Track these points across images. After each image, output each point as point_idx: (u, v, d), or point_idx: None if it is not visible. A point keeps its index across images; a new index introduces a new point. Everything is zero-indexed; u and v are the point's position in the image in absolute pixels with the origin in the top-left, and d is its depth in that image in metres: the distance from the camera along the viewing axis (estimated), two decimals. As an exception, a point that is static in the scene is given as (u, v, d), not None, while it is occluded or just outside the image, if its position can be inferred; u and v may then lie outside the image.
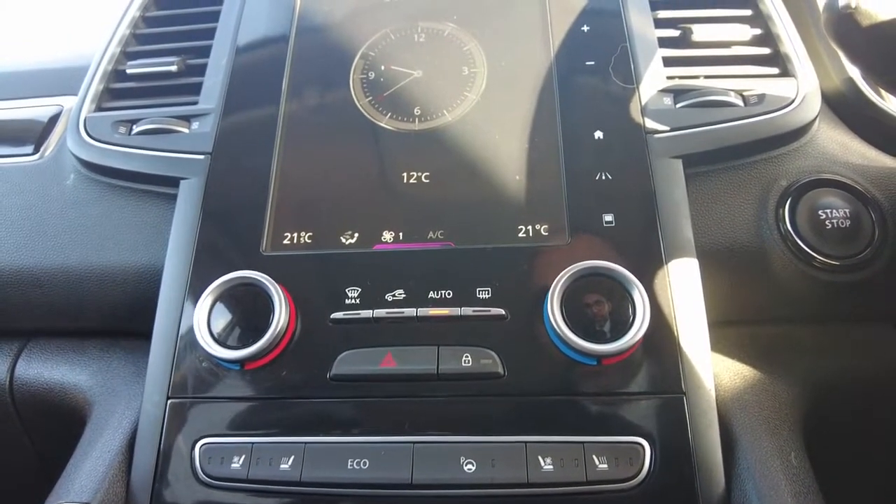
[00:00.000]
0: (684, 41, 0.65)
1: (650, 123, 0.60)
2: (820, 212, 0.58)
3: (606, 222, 0.56)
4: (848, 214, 0.58)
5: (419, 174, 0.60)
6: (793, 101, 0.61)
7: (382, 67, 0.67)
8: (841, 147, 0.63)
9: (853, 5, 0.46)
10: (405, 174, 0.60)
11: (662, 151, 0.58)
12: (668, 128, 0.59)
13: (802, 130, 0.61)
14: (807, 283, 0.58)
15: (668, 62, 0.64)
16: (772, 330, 0.61)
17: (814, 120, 0.62)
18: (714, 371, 0.56)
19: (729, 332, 0.60)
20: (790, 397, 0.56)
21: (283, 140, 0.63)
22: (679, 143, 0.59)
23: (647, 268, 0.54)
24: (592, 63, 0.63)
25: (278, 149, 0.63)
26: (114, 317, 0.65)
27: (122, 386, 0.62)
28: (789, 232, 0.58)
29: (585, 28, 0.65)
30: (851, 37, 0.48)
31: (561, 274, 0.51)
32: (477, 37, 0.67)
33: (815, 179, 0.60)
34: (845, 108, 0.65)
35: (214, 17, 0.73)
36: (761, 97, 0.61)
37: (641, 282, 0.51)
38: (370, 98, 0.65)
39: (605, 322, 0.50)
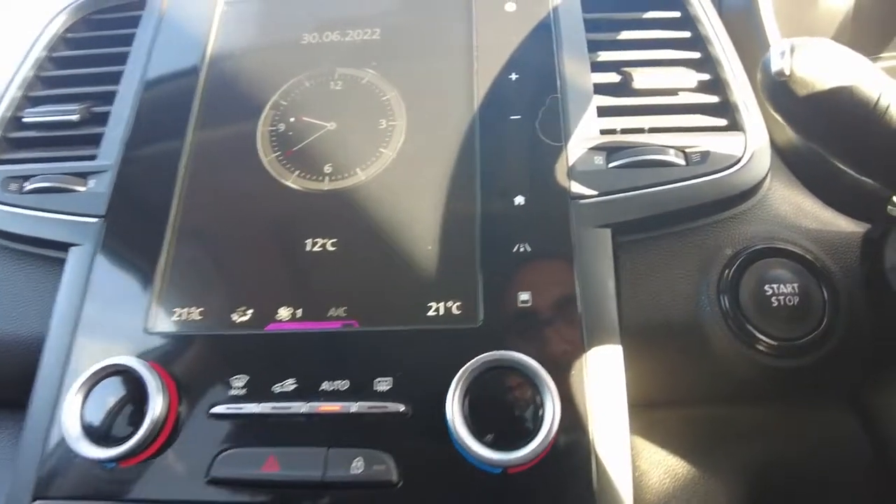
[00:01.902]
0: (625, 88, 0.59)
1: (577, 187, 0.54)
2: (766, 286, 0.52)
3: (522, 302, 0.50)
4: (797, 290, 0.52)
5: (324, 241, 0.55)
6: (740, 160, 0.55)
7: (293, 119, 0.61)
8: (794, 209, 0.56)
9: (787, 72, 0.40)
10: (309, 241, 0.55)
11: (588, 219, 0.52)
12: (595, 192, 0.53)
13: (751, 192, 0.55)
14: (749, 367, 0.52)
15: (604, 112, 0.58)
16: (711, 412, 0.55)
17: (763, 179, 0.55)
18: (641, 468, 0.50)
19: (663, 415, 0.54)
20: (727, 498, 0.50)
21: (182, 202, 0.58)
22: (608, 209, 0.53)
23: (562, 358, 0.48)
24: (518, 117, 0.57)
25: (175, 212, 0.57)
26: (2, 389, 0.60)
27: None
28: (729, 310, 0.52)
29: (514, 76, 0.59)
30: (788, 106, 0.42)
31: (464, 368, 0.45)
32: (398, 85, 0.61)
33: (762, 248, 0.53)
34: (799, 162, 0.59)
35: (123, 59, 0.68)
36: (705, 155, 0.55)
37: (554, 376, 0.45)
38: (278, 153, 0.59)
39: (512, 424, 0.45)
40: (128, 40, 0.69)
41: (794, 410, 0.55)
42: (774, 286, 0.52)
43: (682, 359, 0.53)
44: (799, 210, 0.56)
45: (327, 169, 0.58)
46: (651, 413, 0.54)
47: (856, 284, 0.53)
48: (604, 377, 0.48)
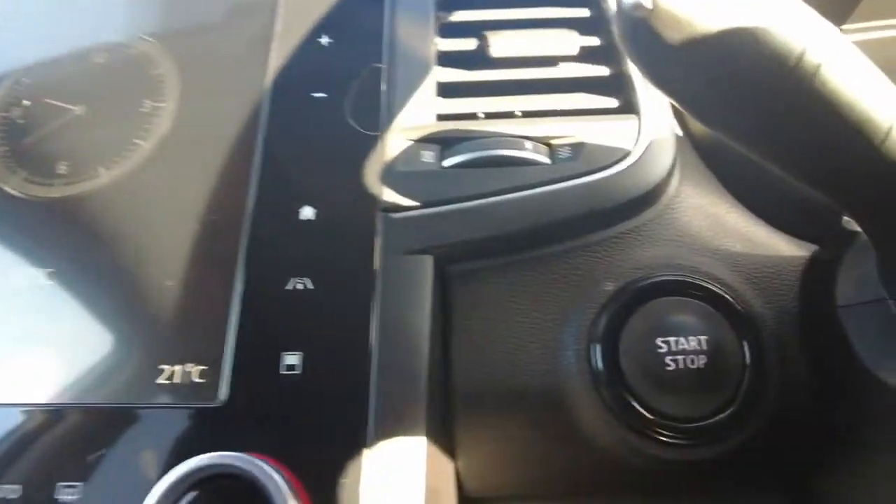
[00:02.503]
0: (482, 58, 0.43)
1: (391, 195, 0.37)
2: (659, 340, 0.35)
3: (287, 367, 0.33)
4: (704, 345, 0.35)
5: (38, 271, 0.38)
6: (628, 154, 0.38)
7: (30, 102, 0.44)
8: (709, 224, 0.40)
9: (648, 5, 0.24)
10: (21, 270, 0.38)
11: (402, 241, 0.36)
12: (416, 202, 0.37)
13: (644, 200, 0.39)
14: (636, 457, 0.35)
15: (449, 91, 0.42)
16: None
17: (664, 182, 0.39)
18: None
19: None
20: None
21: None
22: (433, 226, 0.36)
23: (329, 459, 0.31)
24: (323, 95, 0.41)
25: None
26: None
27: None
28: (604, 372, 0.35)
29: (325, 40, 0.43)
30: (654, 59, 0.26)
31: (159, 485, 0.29)
32: (176, 57, 0.45)
33: (658, 282, 0.37)
34: (722, 158, 0.42)
35: None
36: (578, 148, 0.38)
37: (311, 488, 0.29)
38: (6, 147, 0.43)
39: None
40: None
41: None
42: (671, 339, 0.35)
43: (544, 440, 0.37)
44: (717, 225, 0.40)
45: (62, 168, 0.41)
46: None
47: (792, 332, 0.37)
48: (396, 483, 0.31)
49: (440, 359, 0.36)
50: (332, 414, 0.32)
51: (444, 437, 0.36)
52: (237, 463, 0.29)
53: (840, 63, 0.25)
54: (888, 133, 0.26)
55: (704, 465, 0.35)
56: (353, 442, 0.32)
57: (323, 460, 0.31)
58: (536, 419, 0.36)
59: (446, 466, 0.36)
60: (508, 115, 0.40)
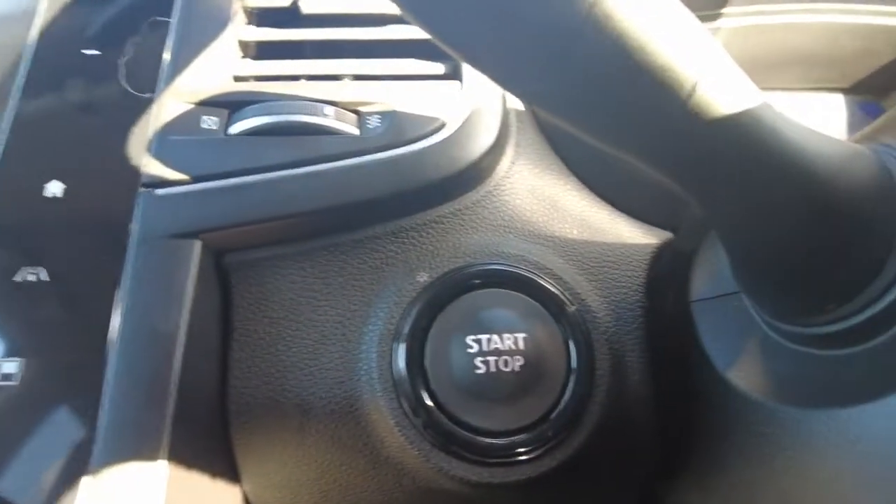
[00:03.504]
0: (294, 16, 0.37)
1: (157, 167, 0.31)
2: (470, 339, 0.30)
3: (3, 377, 0.27)
4: (521, 344, 0.30)
5: None
6: (443, 126, 0.33)
7: None
8: (544, 207, 0.35)
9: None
10: None
11: (163, 223, 0.30)
12: (187, 177, 0.31)
13: (465, 179, 0.33)
14: (446, 481, 0.30)
15: (260, 52, 0.36)
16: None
17: (491, 159, 0.34)
18: None
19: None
20: None
21: None
22: (203, 206, 0.30)
23: (48, 489, 0.25)
24: (96, 53, 0.34)
25: None
26: None
27: None
28: (407, 379, 0.30)
29: (104, -12, 0.36)
30: None
31: None
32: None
33: (473, 272, 0.32)
34: (563, 132, 0.37)
35: None
36: (388, 118, 0.33)
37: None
38: None
39: None
40: None
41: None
42: (483, 338, 0.30)
43: (342, 462, 0.31)
44: (552, 209, 0.35)
45: None
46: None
47: (634, 330, 0.32)
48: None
49: (219, 366, 0.30)
50: (52, 433, 0.26)
51: (224, 457, 0.30)
52: None
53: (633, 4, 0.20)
54: (693, 89, 0.21)
55: (525, 486, 0.30)
56: (74, 466, 0.25)
57: (35, 490, 0.25)
58: (332, 436, 0.31)
59: (224, 491, 0.30)
60: (315, 78, 0.34)
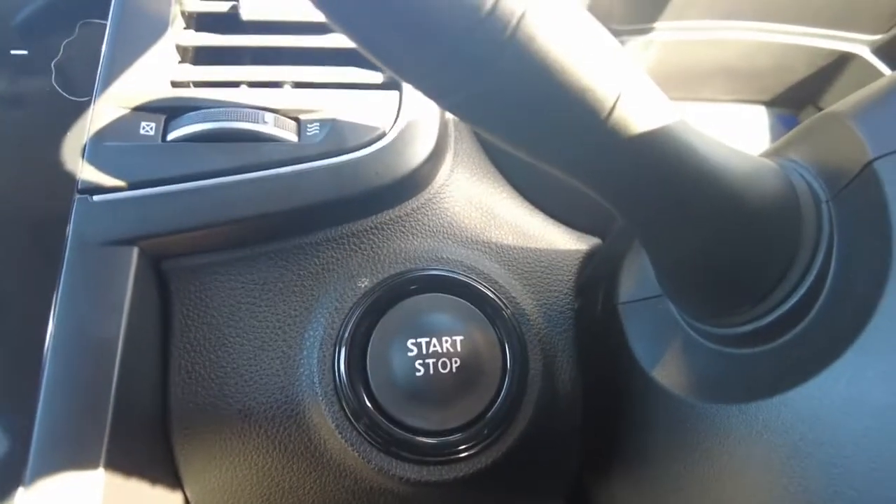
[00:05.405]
0: (236, 22, 0.37)
1: (91, 173, 0.30)
2: (410, 343, 0.31)
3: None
4: (458, 346, 0.31)
5: None
6: (382, 135, 0.33)
7: None
8: (480, 213, 0.36)
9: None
10: None
11: (99, 230, 0.30)
12: (123, 183, 0.30)
13: (405, 187, 0.34)
14: (387, 480, 0.31)
15: (189, 56, 0.36)
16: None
17: (430, 167, 0.35)
18: None
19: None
20: None
21: None
22: (138, 212, 0.30)
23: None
24: (24, 53, 0.33)
25: None
26: None
27: None
28: (347, 382, 0.30)
29: (37, -10, 0.36)
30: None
31: None
32: None
33: (413, 278, 0.33)
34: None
35: None
36: (327, 126, 0.33)
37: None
38: None
39: None
40: None
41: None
42: (423, 341, 0.31)
43: (284, 466, 0.32)
44: (489, 216, 0.36)
45: None
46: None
47: (565, 332, 0.34)
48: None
49: (159, 373, 0.30)
50: (-18, 445, 0.26)
51: (165, 463, 0.30)
52: None
53: (552, 20, 0.21)
54: (613, 107, 0.22)
55: (462, 483, 0.31)
56: (8, 477, 0.25)
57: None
58: (274, 440, 0.31)
59: (166, 497, 0.30)
60: (255, 85, 0.35)
